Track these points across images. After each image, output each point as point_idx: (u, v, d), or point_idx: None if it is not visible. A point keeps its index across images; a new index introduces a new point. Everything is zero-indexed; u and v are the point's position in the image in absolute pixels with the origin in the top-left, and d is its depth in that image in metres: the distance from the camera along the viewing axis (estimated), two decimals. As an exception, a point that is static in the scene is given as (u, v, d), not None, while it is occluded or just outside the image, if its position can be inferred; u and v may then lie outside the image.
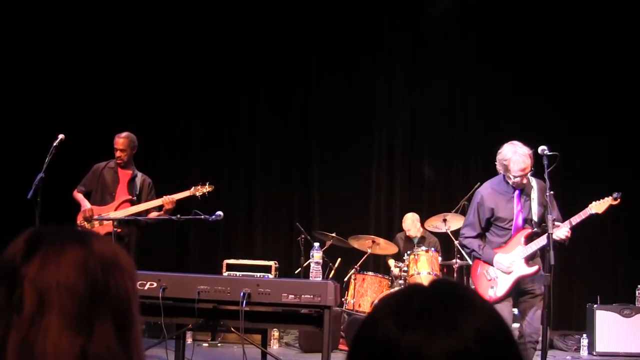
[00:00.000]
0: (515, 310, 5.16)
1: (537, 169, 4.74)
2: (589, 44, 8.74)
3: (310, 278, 4.92)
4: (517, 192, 4.75)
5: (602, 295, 7.41)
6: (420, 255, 6.80)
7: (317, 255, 4.97)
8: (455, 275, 6.80)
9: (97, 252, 1.06)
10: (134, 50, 8.78)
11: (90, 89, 8.60)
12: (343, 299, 6.81)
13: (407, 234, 7.68)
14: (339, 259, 7.44)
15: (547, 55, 8.86)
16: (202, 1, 9.03)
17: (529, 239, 4.70)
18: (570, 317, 8.18)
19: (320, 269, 4.94)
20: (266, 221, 9.06)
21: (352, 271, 7.03)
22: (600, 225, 7.43)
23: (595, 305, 7.22)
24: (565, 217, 4.74)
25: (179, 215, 5.36)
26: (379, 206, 9.04)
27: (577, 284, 8.57)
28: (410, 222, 7.66)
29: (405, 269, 6.86)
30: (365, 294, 6.85)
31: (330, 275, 7.13)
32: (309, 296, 4.28)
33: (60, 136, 5.75)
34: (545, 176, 4.48)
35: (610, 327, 7.11)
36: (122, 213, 5.75)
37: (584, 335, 7.30)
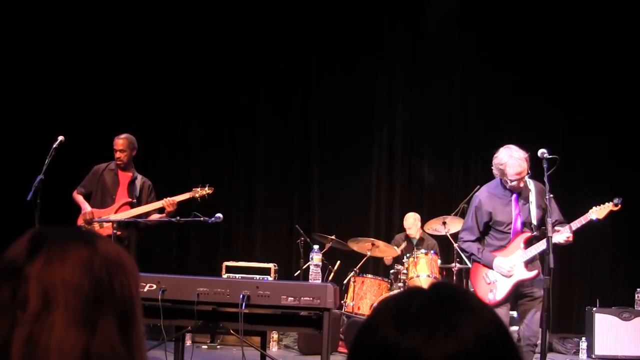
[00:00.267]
0: (514, 313, 5.15)
1: (536, 172, 4.73)
2: (589, 44, 8.73)
3: (310, 280, 4.91)
4: (514, 195, 4.76)
5: (601, 298, 7.40)
6: (420, 258, 6.79)
7: (316, 257, 4.95)
8: (454, 278, 6.79)
9: (101, 252, 1.07)
10: (134, 50, 8.78)
11: (90, 90, 8.59)
12: (342, 302, 6.80)
13: (408, 232, 7.67)
14: (339, 262, 7.43)
15: (547, 55, 8.85)
16: (202, 1, 9.03)
17: (529, 242, 4.70)
18: (569, 320, 8.16)
19: (319, 271, 4.92)
20: (266, 221, 9.06)
21: (352, 274, 7.02)
22: (600, 228, 7.39)
23: (594, 309, 7.21)
24: (565, 218, 4.73)
25: (178, 218, 5.36)
26: (379, 206, 9.04)
27: (576, 287, 8.55)
28: (412, 221, 7.67)
29: (405, 271, 6.85)
30: (364, 296, 6.85)
31: (330, 278, 7.12)
32: (308, 298, 4.27)
33: (60, 138, 5.75)
34: (545, 179, 4.48)
35: (609, 330, 7.10)
36: (122, 215, 5.75)
37: (583, 339, 7.29)
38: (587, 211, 4.64)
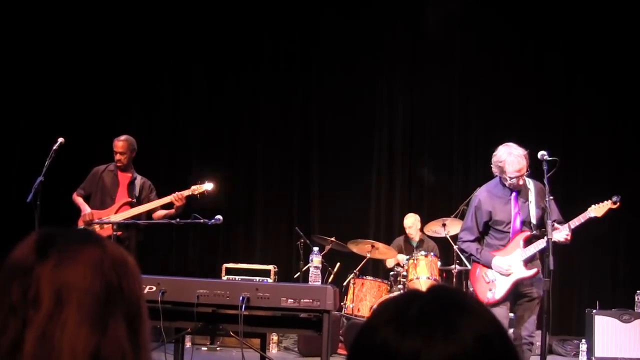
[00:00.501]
0: (512, 315, 5.15)
1: (536, 173, 4.72)
2: (589, 44, 8.72)
3: (310, 282, 4.91)
4: (514, 194, 4.75)
5: (601, 300, 7.38)
6: (420, 260, 6.78)
7: (316, 259, 4.96)
8: (454, 280, 6.79)
9: (110, 254, 1.09)
10: (134, 50, 8.77)
11: (90, 92, 8.59)
12: (342, 304, 6.79)
13: (408, 231, 7.66)
14: (338, 264, 7.42)
15: (547, 55, 8.85)
16: (201, 2, 9.02)
17: (528, 241, 4.69)
18: (569, 322, 8.15)
19: (319, 273, 4.92)
20: (266, 222, 9.05)
21: (351, 275, 7.01)
22: (600, 229, 7.39)
23: (594, 311, 7.19)
24: (565, 217, 4.72)
25: (178, 220, 5.35)
26: (379, 206, 9.03)
27: (576, 288, 8.53)
28: (412, 220, 7.66)
29: (405, 273, 6.84)
30: (364, 298, 6.84)
31: (330, 280, 7.11)
32: (308, 300, 4.28)
33: (60, 139, 5.75)
34: (545, 181, 4.47)
35: (609, 332, 7.07)
36: (122, 216, 5.75)
37: (583, 341, 7.26)
38: (586, 210, 4.64)
